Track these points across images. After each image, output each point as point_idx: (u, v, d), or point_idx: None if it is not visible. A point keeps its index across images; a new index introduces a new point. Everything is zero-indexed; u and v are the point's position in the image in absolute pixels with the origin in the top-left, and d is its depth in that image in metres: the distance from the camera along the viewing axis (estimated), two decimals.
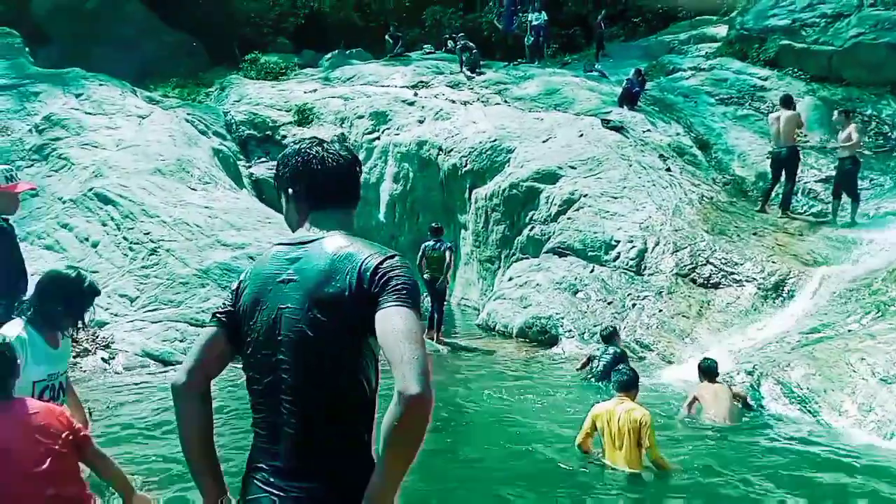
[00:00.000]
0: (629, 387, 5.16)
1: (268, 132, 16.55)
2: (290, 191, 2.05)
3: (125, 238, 10.80)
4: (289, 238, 2.03)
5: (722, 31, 18.11)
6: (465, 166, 13.69)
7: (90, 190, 11.44)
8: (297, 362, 1.84)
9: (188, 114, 15.39)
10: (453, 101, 15.67)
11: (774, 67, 14.79)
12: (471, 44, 18.00)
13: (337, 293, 1.80)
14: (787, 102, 10.68)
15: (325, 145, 2.06)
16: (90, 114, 14.02)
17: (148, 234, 10.75)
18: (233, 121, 16.80)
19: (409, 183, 14.81)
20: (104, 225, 11.02)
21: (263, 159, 16.22)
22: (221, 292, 10.12)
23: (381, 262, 1.81)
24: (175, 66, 19.90)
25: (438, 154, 14.33)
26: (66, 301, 3.20)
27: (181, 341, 9.15)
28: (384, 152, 15.45)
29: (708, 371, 6.64)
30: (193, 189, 12.16)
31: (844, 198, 10.48)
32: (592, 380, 7.80)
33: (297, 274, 1.88)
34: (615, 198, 11.25)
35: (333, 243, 1.90)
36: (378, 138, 15.80)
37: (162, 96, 16.90)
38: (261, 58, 20.20)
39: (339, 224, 1.99)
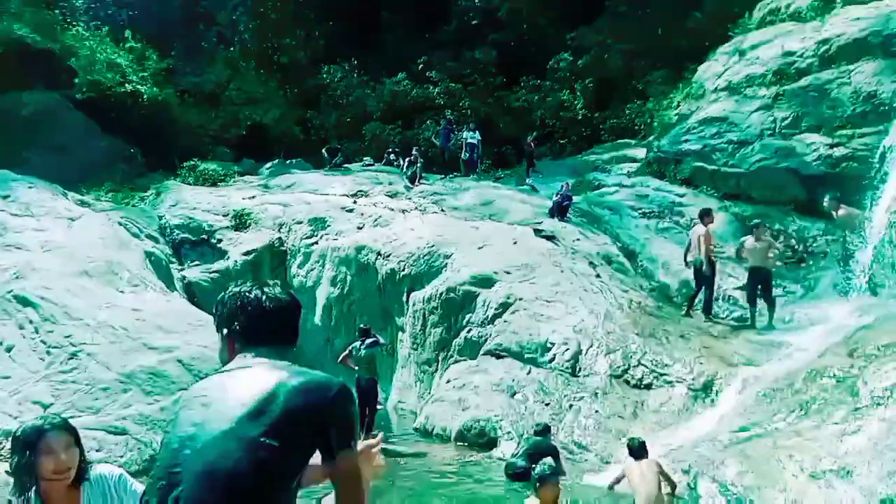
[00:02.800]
0: (544, 480, 5.17)
1: (203, 236, 16.43)
2: (225, 331, 2.07)
3: (43, 342, 10.28)
4: (223, 368, 2.02)
5: (640, 152, 19.62)
6: (404, 270, 13.88)
7: (9, 292, 10.95)
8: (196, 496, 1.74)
9: (121, 217, 15.22)
10: (392, 209, 16.11)
11: (690, 186, 15.98)
12: (417, 156, 18.88)
13: (262, 430, 1.76)
14: (704, 216, 11.50)
15: (264, 288, 2.10)
16: (16, 215, 13.66)
17: (69, 337, 10.28)
18: (167, 224, 16.63)
19: (346, 286, 14.83)
20: (21, 328, 10.50)
21: (197, 263, 16.01)
22: (145, 398, 9.64)
23: (320, 402, 1.83)
24: (111, 171, 19.82)
25: (377, 258, 14.51)
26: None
27: (97, 451, 8.56)
28: (322, 256, 15.53)
29: (634, 449, 6.73)
30: (122, 291, 11.82)
31: (761, 304, 11.11)
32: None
33: (220, 404, 1.84)
34: (549, 302, 11.58)
35: (262, 373, 1.88)
36: (316, 243, 15.92)
37: (95, 199, 16.69)
38: (200, 165, 20.39)
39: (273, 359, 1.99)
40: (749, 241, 11.03)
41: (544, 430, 8.34)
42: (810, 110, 14.44)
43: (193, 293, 14.78)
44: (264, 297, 2.05)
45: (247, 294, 2.06)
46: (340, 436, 1.84)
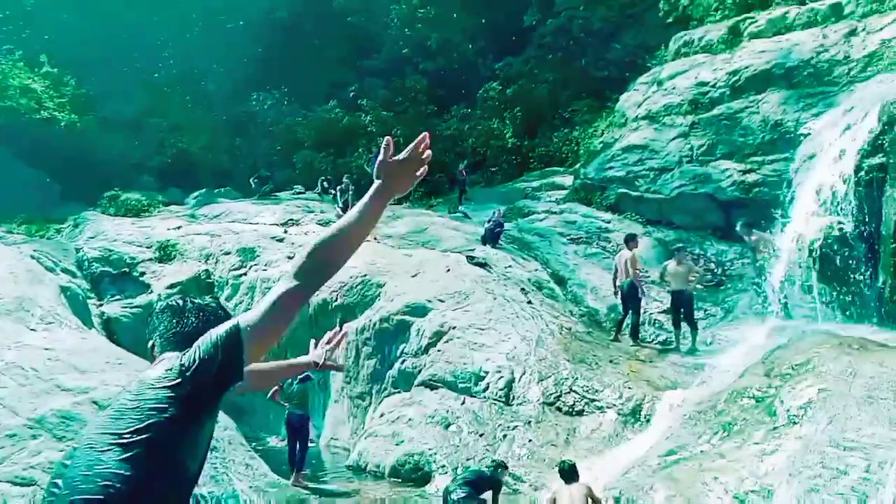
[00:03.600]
0: None
1: (124, 269, 15.78)
2: (150, 343, 2.01)
3: None
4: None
5: (568, 180, 20.15)
6: (336, 301, 13.68)
7: None
8: None
9: (34, 250, 14.44)
10: None
11: (616, 212, 16.47)
12: (348, 184, 18.74)
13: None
14: (629, 241, 11.86)
15: (190, 296, 2.10)
16: None
17: None
18: (85, 258, 15.90)
19: None
20: None
21: (117, 297, 15.34)
22: (56, 444, 9.07)
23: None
24: (25, 202, 18.83)
25: None
26: None
27: None
28: (251, 288, 15.15)
29: (565, 472, 6.78)
30: (33, 329, 11.15)
31: (684, 327, 11.49)
32: None
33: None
34: (482, 329, 11.62)
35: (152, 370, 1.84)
36: (245, 274, 15.54)
37: (6, 232, 15.81)
38: (121, 195, 19.64)
39: None
40: (671, 264, 11.42)
41: (499, 466, 8.07)
42: (724, 138, 15.17)
43: (113, 330, 14.12)
44: (187, 302, 2.04)
45: (170, 301, 2.07)
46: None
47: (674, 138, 15.97)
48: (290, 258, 15.56)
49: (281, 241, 16.41)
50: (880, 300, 8.86)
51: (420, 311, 12.55)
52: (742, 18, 17.58)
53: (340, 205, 18.80)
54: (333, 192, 20.32)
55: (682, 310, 11.23)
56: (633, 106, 17.82)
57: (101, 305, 14.94)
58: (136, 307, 14.81)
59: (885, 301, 8.72)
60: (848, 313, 9.45)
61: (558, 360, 10.77)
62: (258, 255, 15.80)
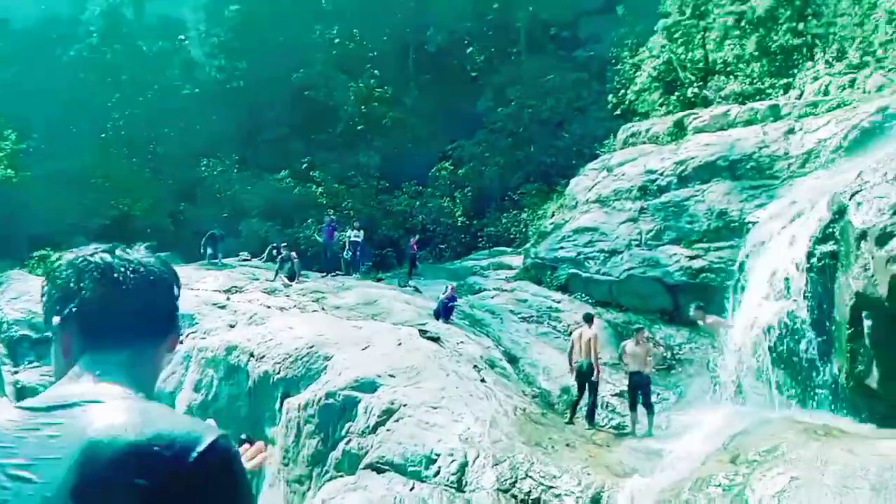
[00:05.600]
0: None
1: (48, 333, 14.65)
2: (56, 319, 1.32)
3: None
4: (37, 398, 1.27)
5: (516, 260, 20.33)
6: (279, 373, 12.97)
7: None
8: None
9: None
10: (269, 307, 15.28)
11: (566, 292, 16.52)
12: (293, 254, 18.25)
13: None
14: (589, 319, 11.76)
15: (117, 252, 1.37)
16: None
17: None
18: (4, 319, 14.78)
19: (212, 391, 13.61)
20: None
21: (35, 364, 14.19)
22: None
23: (188, 463, 1.11)
24: None
25: (249, 360, 13.51)
26: None
27: None
28: (186, 358, 14.26)
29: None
30: None
31: (639, 410, 11.30)
32: None
33: (35, 470, 1.13)
34: (435, 408, 11.12)
35: (101, 417, 1.15)
36: (181, 342, 14.66)
37: None
38: (52, 255, 18.58)
39: (125, 372, 1.28)
40: (630, 345, 11.34)
41: None
42: (671, 224, 15.59)
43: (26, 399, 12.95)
44: (117, 263, 1.33)
45: (87, 260, 1.34)
46: None
47: (623, 222, 16.33)
48: (231, 326, 14.84)
49: (223, 308, 15.69)
50: (835, 387, 8.92)
51: (369, 386, 11.97)
52: (686, 114, 18.54)
53: (285, 274, 18.27)
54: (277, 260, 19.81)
55: (639, 392, 11.07)
56: (584, 190, 18.26)
57: (16, 372, 13.75)
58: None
59: (840, 387, 8.78)
60: (802, 400, 9.48)
61: (514, 443, 10.32)
62: (197, 322, 15.01)
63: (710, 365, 12.10)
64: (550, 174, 24.45)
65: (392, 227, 26.40)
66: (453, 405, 11.26)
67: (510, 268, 20.11)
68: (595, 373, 11.20)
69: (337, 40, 33.55)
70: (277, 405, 12.78)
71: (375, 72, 31.86)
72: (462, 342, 13.75)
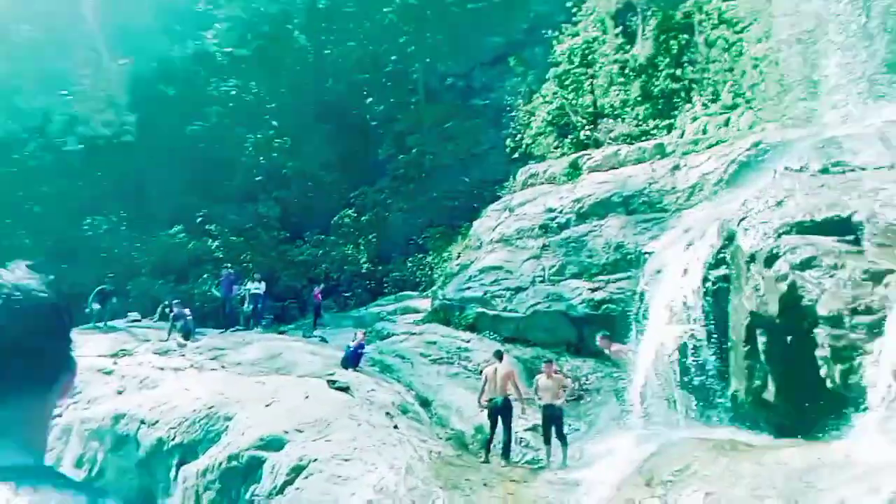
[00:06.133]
0: None
1: None
2: None
3: None
4: None
5: (422, 303, 20.22)
6: (174, 439, 12.03)
7: None
8: None
9: None
10: (162, 369, 14.27)
11: (475, 331, 16.49)
12: (185, 310, 17.23)
13: None
14: (499, 356, 11.71)
15: None
16: None
17: None
18: None
19: (95, 466, 12.47)
20: None
21: None
22: None
23: None
24: None
25: (140, 428, 12.50)
26: None
27: None
28: (66, 431, 13.02)
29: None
30: None
31: (554, 442, 11.26)
32: None
33: None
34: (347, 460, 10.61)
35: None
36: (60, 415, 13.34)
37: None
38: None
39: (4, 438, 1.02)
40: (542, 379, 11.36)
41: None
42: (573, 259, 16.01)
43: None
44: None
45: None
46: None
47: (527, 259, 16.61)
48: (119, 393, 13.72)
49: (109, 373, 14.51)
50: (734, 403, 9.24)
51: (275, 444, 11.30)
52: (580, 155, 19.32)
53: (179, 332, 17.23)
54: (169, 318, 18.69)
55: (552, 425, 11.04)
56: (488, 230, 18.51)
57: None
58: None
59: (739, 403, 9.10)
60: (705, 417, 9.76)
61: (431, 489, 9.96)
62: (79, 392, 13.75)
63: (617, 392, 12.28)
64: (454, 217, 24.72)
65: (294, 278, 25.68)
66: (366, 455, 10.81)
67: (417, 311, 19.97)
68: (521, 407, 11.16)
69: (233, 93, 32.98)
70: (173, 474, 11.81)
71: (274, 123, 31.45)
72: (373, 389, 13.34)
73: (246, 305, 19.04)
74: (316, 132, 32.94)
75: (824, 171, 9.94)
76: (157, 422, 12.40)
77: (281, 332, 19.08)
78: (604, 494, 8.45)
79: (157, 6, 35.29)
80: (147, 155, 30.21)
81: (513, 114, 27.02)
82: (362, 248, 26.84)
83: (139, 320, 19.32)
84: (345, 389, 12.83)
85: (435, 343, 16.06)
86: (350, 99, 33.80)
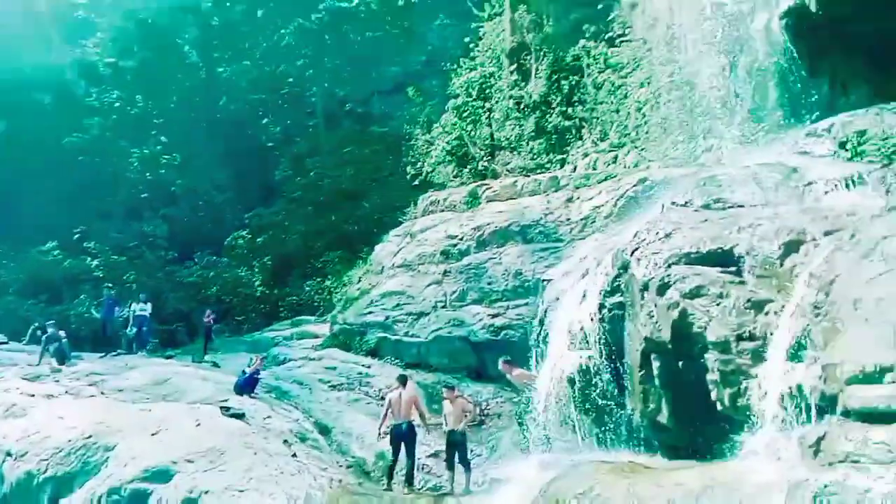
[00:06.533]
0: None
1: None
2: None
3: None
4: None
5: (320, 328, 19.84)
6: (46, 472, 11.10)
7: None
8: None
9: None
10: (32, 395, 13.09)
11: (375, 356, 16.37)
12: (60, 332, 15.95)
13: None
14: (403, 381, 11.64)
15: None
16: None
17: None
18: None
19: None
20: None
21: None
22: None
23: None
24: None
25: (5, 460, 11.38)
26: None
27: None
28: None
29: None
30: None
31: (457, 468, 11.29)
32: None
33: None
34: (242, 491, 10.16)
35: None
36: None
37: None
38: None
39: None
40: (446, 404, 11.40)
41: None
42: (473, 285, 16.28)
43: None
44: None
45: None
46: None
47: (429, 285, 16.73)
48: None
49: None
50: (630, 426, 9.69)
51: (162, 475, 10.66)
52: (480, 184, 19.80)
53: (52, 356, 15.90)
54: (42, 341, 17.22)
55: (455, 450, 11.09)
56: (389, 255, 18.50)
57: None
58: None
59: (635, 427, 9.55)
60: (605, 441, 10.14)
61: None
62: None
63: (518, 417, 12.52)
64: (353, 242, 24.51)
65: (183, 300, 24.45)
66: (263, 486, 10.41)
67: (315, 336, 19.56)
68: (425, 431, 11.13)
69: (117, 104, 31.27)
70: None
71: (162, 138, 30.08)
72: (269, 416, 12.87)
73: (130, 328, 17.85)
74: (208, 150, 31.82)
75: (706, 206, 10.70)
76: (25, 454, 11.38)
77: (168, 357, 18.06)
78: None
79: (31, 10, 33.12)
80: (17, 166, 27.93)
81: (412, 142, 27.33)
82: (257, 270, 26.02)
83: (6, 342, 17.64)
84: (240, 417, 12.30)
85: (335, 368, 15.77)
86: (245, 118, 32.98)
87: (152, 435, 11.63)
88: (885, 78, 13.78)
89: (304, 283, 24.78)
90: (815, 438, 5.97)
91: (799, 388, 6.68)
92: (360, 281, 19.12)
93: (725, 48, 15.84)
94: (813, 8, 12.46)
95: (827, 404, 6.22)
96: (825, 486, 5.27)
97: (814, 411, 6.39)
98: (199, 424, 11.86)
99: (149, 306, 18.44)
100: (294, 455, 11.57)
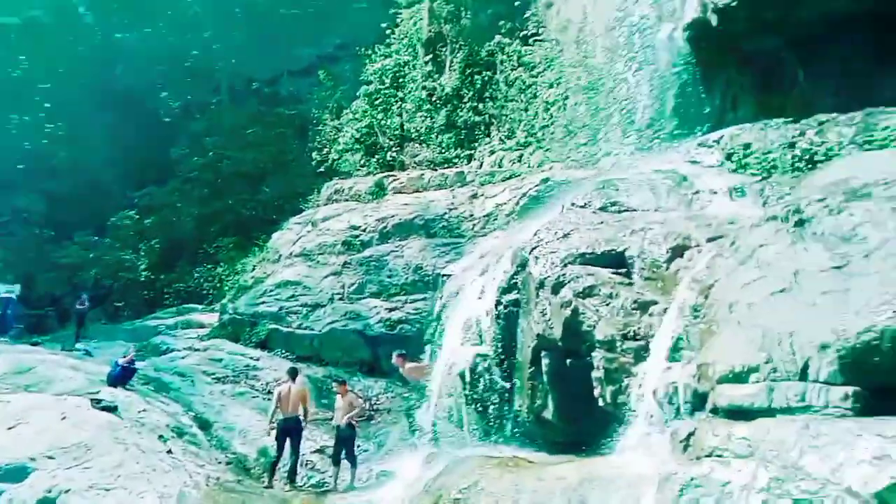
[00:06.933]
0: None
1: None
2: None
3: None
4: None
5: (208, 318, 18.95)
6: None
7: None
8: None
9: None
10: None
11: (265, 348, 15.73)
12: None
13: None
14: (293, 374, 11.23)
15: None
16: None
17: None
18: None
19: None
20: None
21: None
22: None
23: None
24: None
25: None
26: None
27: None
28: None
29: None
30: None
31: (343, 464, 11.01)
32: None
33: None
34: (108, 489, 9.42)
35: None
36: None
37: None
38: None
39: None
40: (338, 399, 11.11)
41: None
42: (373, 278, 15.98)
43: None
44: None
45: None
46: None
47: (327, 276, 16.27)
48: None
49: None
50: (516, 422, 9.75)
51: (17, 474, 9.73)
52: (386, 175, 19.50)
53: None
54: None
55: (343, 446, 10.80)
56: (288, 243, 17.89)
57: None
58: None
59: (521, 422, 9.63)
60: (491, 436, 10.16)
61: None
62: None
63: (408, 412, 12.37)
64: (250, 228, 23.54)
65: (55, 282, 22.67)
66: (132, 483, 9.72)
67: (201, 326, 18.66)
68: (301, 429, 10.75)
69: None
70: None
71: (46, 105, 27.73)
72: (144, 410, 12.06)
73: None
74: (98, 121, 29.66)
75: (603, 209, 10.94)
76: None
77: (35, 344, 16.66)
78: None
79: None
80: None
81: (320, 127, 26.60)
82: (143, 253, 24.49)
83: None
84: (111, 410, 11.42)
85: (220, 360, 15.02)
86: (142, 90, 30.98)
87: (9, 429, 10.59)
88: (770, 95, 14.64)
89: (194, 270, 23.57)
90: (685, 434, 6.17)
91: (674, 386, 6.88)
92: (254, 269, 18.36)
93: (631, 56, 16.31)
94: (714, 23, 12.96)
95: (699, 402, 6.45)
96: (691, 479, 5.43)
97: (687, 408, 6.60)
98: (64, 418, 10.91)
99: (16, 288, 17.01)
100: (169, 451, 10.88)
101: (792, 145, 10.91)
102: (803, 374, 5.39)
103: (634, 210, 10.78)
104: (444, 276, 13.69)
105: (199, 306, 21.10)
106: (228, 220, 25.60)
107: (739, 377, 5.83)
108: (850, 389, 5.14)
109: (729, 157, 11.84)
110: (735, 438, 5.42)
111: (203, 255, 24.17)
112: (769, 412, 5.51)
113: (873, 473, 4.39)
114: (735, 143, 11.93)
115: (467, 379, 10.39)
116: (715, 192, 10.55)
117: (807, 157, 10.56)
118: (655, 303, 8.04)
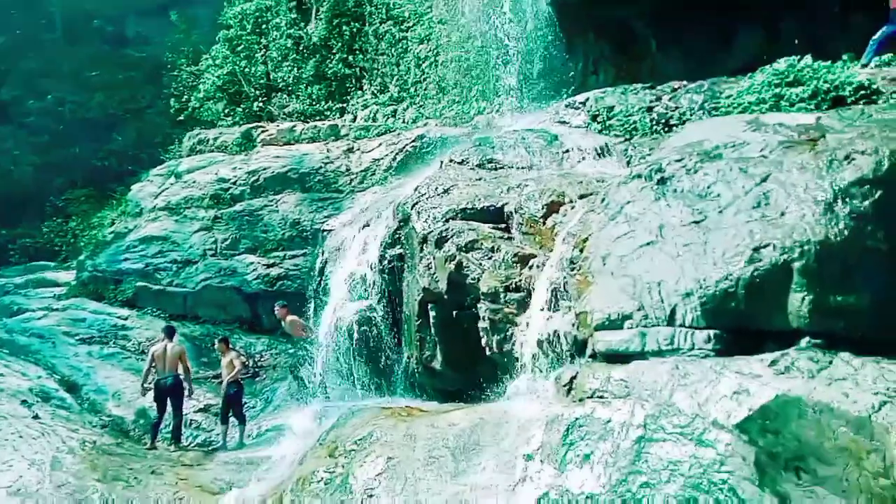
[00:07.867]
0: None
1: None
2: None
3: None
4: None
5: (62, 275, 17.65)
6: None
7: None
8: None
9: None
10: None
11: (134, 307, 14.99)
12: None
13: None
14: (171, 333, 10.88)
15: None
16: None
17: None
18: None
19: None
20: None
21: None
22: None
23: None
24: None
25: None
26: None
27: None
28: None
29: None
30: None
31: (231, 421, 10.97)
32: None
33: None
34: None
35: None
36: None
37: None
38: None
39: None
40: (223, 357, 10.95)
41: None
42: (247, 233, 15.57)
43: None
44: None
45: None
46: None
47: (197, 231, 15.65)
48: None
49: None
50: (407, 373, 10.19)
51: None
52: (254, 126, 18.81)
53: None
54: None
55: (230, 404, 10.74)
56: (150, 196, 16.91)
57: None
58: None
59: (411, 373, 10.07)
60: (382, 388, 10.55)
61: (85, 483, 8.86)
62: None
63: (294, 368, 12.45)
64: (103, 179, 21.85)
65: None
66: None
67: (56, 284, 17.26)
68: (188, 388, 10.55)
69: None
70: None
71: None
72: (1, 375, 11.22)
73: None
74: None
75: (481, 165, 11.44)
76: None
77: None
78: (285, 470, 8.58)
79: None
80: None
81: (176, 73, 24.89)
82: None
83: None
84: None
85: (84, 320, 14.15)
86: None
87: None
88: (626, 62, 15.76)
89: (42, 224, 21.59)
90: (568, 378, 6.79)
91: (556, 333, 7.55)
92: (113, 224, 17.21)
93: (500, 17, 16.78)
94: None
95: (579, 348, 7.11)
96: (576, 419, 6.01)
97: (568, 354, 7.28)
98: None
99: None
100: (36, 416, 10.29)
101: (650, 109, 11.96)
102: (671, 320, 6.12)
103: (510, 167, 11.40)
104: (324, 231, 13.70)
105: (52, 264, 19.47)
106: (77, 170, 23.56)
107: (614, 324, 6.51)
108: (712, 332, 5.86)
109: (594, 118, 12.74)
110: (613, 380, 6.06)
111: (51, 208, 22.16)
112: (643, 355, 6.17)
113: (734, 407, 5.07)
114: (599, 105, 12.83)
115: (355, 333, 10.64)
116: (584, 152, 11.38)
117: (663, 120, 11.65)
118: (534, 256, 8.68)
